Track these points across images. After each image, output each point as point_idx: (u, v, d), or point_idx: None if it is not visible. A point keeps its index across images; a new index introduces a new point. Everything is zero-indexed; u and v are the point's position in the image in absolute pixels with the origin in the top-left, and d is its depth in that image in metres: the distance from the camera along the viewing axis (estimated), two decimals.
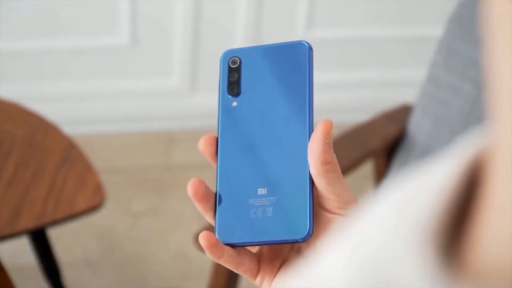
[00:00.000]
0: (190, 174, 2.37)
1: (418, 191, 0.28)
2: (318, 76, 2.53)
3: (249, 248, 0.65)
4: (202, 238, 0.61)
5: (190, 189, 0.63)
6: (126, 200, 2.20)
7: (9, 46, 2.24)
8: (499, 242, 0.25)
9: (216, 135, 0.66)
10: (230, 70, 0.68)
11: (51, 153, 1.55)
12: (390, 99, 2.00)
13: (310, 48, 0.68)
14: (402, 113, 1.57)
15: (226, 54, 0.69)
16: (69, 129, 1.79)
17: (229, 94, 0.68)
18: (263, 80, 0.67)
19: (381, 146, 1.54)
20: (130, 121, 2.41)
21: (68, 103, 2.36)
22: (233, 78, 0.68)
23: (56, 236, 2.00)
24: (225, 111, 0.67)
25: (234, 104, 0.67)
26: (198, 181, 0.63)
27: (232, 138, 0.66)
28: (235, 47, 0.70)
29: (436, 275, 0.25)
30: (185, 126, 2.36)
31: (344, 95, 2.46)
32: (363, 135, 1.55)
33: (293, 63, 0.68)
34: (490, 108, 0.26)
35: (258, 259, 0.65)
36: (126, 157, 2.34)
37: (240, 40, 2.31)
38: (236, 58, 0.69)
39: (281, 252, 0.65)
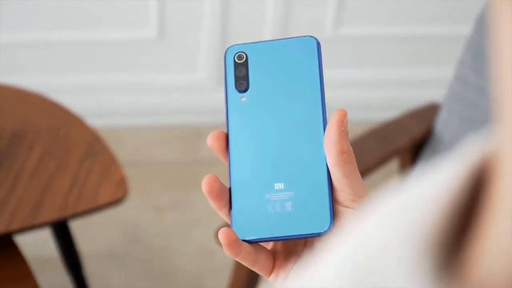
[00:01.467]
0: (216, 169, 2.36)
1: (420, 194, 0.27)
2: (346, 73, 2.53)
3: (263, 244, 0.64)
4: (222, 234, 0.61)
5: (205, 186, 0.62)
6: (152, 194, 2.20)
7: (38, 37, 2.25)
8: (504, 250, 0.24)
9: (225, 131, 0.66)
10: (237, 65, 0.68)
11: (75, 145, 1.55)
12: (418, 98, 1.98)
13: (319, 43, 0.68)
14: (430, 112, 1.56)
15: (231, 49, 0.69)
16: (95, 121, 1.79)
17: (237, 90, 0.67)
18: (271, 75, 0.67)
19: (408, 144, 1.52)
20: (158, 114, 2.41)
21: (95, 95, 2.37)
22: (240, 74, 0.67)
23: (81, 228, 2.01)
24: (233, 106, 0.67)
25: (243, 99, 0.67)
26: (213, 177, 0.63)
27: (243, 133, 0.66)
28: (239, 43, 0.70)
29: (431, 284, 0.24)
30: (211, 121, 2.35)
31: (372, 92, 2.44)
32: (390, 133, 1.54)
33: (301, 57, 0.67)
34: (496, 110, 0.25)
35: (273, 256, 0.64)
36: (153, 150, 2.34)
37: (268, 36, 2.30)
38: (242, 53, 0.68)
39: (295, 249, 0.64)
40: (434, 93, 2.03)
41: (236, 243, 0.61)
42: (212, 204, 0.64)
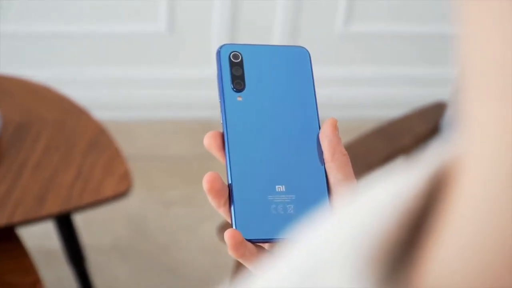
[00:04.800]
0: (224, 165, 2.35)
1: (373, 201, 0.26)
2: (354, 71, 2.52)
3: (262, 245, 0.64)
4: (228, 236, 0.61)
5: (206, 183, 0.62)
6: (159, 188, 2.19)
7: (47, 29, 2.25)
8: (453, 260, 0.23)
9: (221, 131, 0.66)
10: (233, 64, 0.67)
11: (80, 138, 1.54)
12: (425, 96, 1.97)
13: (309, 54, 0.69)
14: (436, 111, 1.55)
15: (225, 48, 0.68)
16: (106, 114, 1.80)
17: (234, 89, 0.67)
18: (266, 77, 0.67)
19: (413, 143, 1.51)
20: (168, 108, 2.41)
21: (105, 88, 2.37)
22: (237, 73, 0.67)
23: (86, 221, 2.01)
24: (230, 106, 0.66)
25: (239, 98, 0.67)
26: (215, 175, 0.63)
27: (241, 132, 0.66)
28: (232, 42, 0.70)
29: None
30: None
31: (379, 90, 2.43)
32: (395, 132, 1.53)
33: (294, 63, 0.68)
34: (458, 116, 0.24)
35: None
36: (161, 144, 2.34)
37: (278, 32, 2.29)
38: (237, 53, 0.68)
39: None
40: (441, 92, 2.02)
41: (241, 244, 0.61)
42: (212, 201, 0.64)
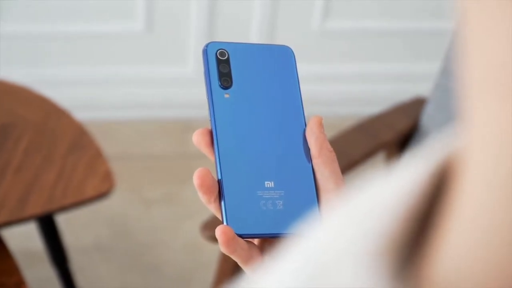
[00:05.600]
0: (205, 163, 2.36)
1: (379, 197, 0.26)
2: (332, 68, 2.52)
3: (252, 241, 0.65)
4: (220, 232, 0.61)
5: (197, 179, 0.63)
6: (140, 187, 2.19)
7: (24, 29, 2.24)
8: (462, 252, 0.23)
9: (209, 127, 0.66)
10: (220, 62, 0.68)
11: (61, 138, 1.54)
12: (404, 92, 1.98)
13: (294, 53, 0.70)
14: (416, 106, 1.56)
15: (211, 46, 0.69)
16: (85, 114, 1.79)
17: (221, 86, 0.67)
18: (252, 74, 0.68)
19: (393, 139, 1.53)
20: (146, 108, 2.41)
21: (84, 88, 2.36)
22: (224, 70, 0.68)
23: (68, 221, 2.01)
24: (218, 103, 0.67)
25: (227, 95, 0.67)
26: (205, 171, 0.63)
27: (229, 129, 0.66)
28: (218, 40, 0.71)
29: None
30: (199, 114, 2.35)
31: (358, 87, 2.44)
32: (375, 127, 1.54)
33: (279, 61, 0.69)
34: (461, 107, 0.24)
35: (262, 253, 0.65)
36: (142, 144, 2.34)
37: (255, 28, 2.30)
38: (223, 50, 0.68)
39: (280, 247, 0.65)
40: (419, 87, 2.03)
41: (233, 240, 0.61)
42: (202, 197, 0.64)
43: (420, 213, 0.25)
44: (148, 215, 2.13)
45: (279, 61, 0.69)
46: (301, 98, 0.68)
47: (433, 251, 0.25)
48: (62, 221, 1.97)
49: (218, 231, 0.61)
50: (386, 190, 0.26)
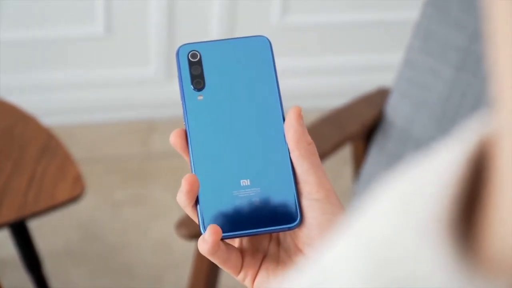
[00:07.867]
0: (170, 162, 2.38)
1: (423, 181, 0.27)
2: (295, 62, 2.53)
3: (231, 242, 0.65)
4: (211, 232, 0.61)
5: (187, 185, 0.62)
6: (107, 189, 2.20)
7: None
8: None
9: (184, 128, 0.66)
10: (191, 64, 0.68)
11: (30, 144, 1.54)
12: (368, 84, 2.00)
13: (270, 42, 0.69)
14: (380, 97, 1.58)
15: (183, 48, 0.68)
16: (47, 119, 1.79)
17: (194, 88, 0.67)
18: (227, 73, 0.68)
19: (359, 130, 1.54)
20: (109, 110, 2.40)
21: (45, 93, 2.35)
22: (196, 72, 0.67)
23: (37, 227, 2.00)
24: (191, 105, 0.67)
25: (200, 97, 0.67)
26: (194, 177, 0.63)
27: (203, 131, 0.66)
28: (191, 41, 0.69)
29: (453, 266, 0.25)
30: (163, 114, 2.35)
31: (322, 80, 2.46)
32: (341, 119, 1.56)
33: (255, 55, 0.68)
34: (493, 93, 0.26)
35: (241, 254, 0.65)
36: (106, 146, 2.34)
37: (215, 27, 2.31)
38: (195, 52, 0.68)
39: (262, 245, 0.65)
40: (382, 78, 2.05)
41: (217, 242, 0.61)
42: (183, 201, 0.63)
43: (465, 193, 0.27)
44: (117, 217, 2.13)
45: (254, 54, 0.68)
46: (278, 90, 0.68)
47: (486, 229, 0.26)
48: (32, 227, 1.97)
49: (209, 231, 0.61)
50: (428, 172, 0.27)
